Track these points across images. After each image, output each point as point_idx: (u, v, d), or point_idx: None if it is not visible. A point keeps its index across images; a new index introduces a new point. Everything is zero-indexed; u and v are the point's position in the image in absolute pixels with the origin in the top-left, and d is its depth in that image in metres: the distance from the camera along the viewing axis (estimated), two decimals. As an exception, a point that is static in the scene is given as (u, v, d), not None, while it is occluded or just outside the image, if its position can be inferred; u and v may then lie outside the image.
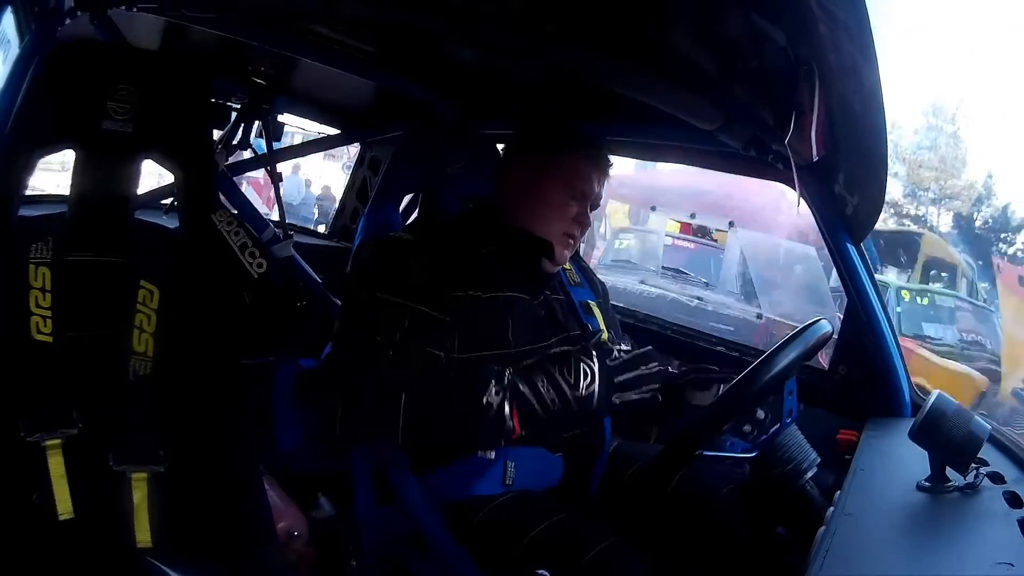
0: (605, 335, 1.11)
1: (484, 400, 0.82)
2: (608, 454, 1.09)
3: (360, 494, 1.08)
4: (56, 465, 0.80)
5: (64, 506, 0.79)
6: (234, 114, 1.50)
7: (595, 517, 0.95)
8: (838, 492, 0.78)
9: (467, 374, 0.85)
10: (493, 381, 0.82)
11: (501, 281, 1.01)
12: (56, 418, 0.81)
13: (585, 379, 0.84)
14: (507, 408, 0.82)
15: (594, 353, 0.85)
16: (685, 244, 5.56)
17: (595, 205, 1.07)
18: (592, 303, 1.15)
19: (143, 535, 0.83)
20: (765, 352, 0.91)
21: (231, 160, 1.61)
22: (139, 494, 0.84)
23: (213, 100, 1.08)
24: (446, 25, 0.91)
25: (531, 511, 0.94)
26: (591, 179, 1.05)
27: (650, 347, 0.91)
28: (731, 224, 5.73)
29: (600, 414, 0.95)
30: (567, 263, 1.15)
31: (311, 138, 2.29)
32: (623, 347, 0.88)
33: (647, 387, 0.89)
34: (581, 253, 1.26)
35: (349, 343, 0.91)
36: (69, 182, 0.88)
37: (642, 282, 4.72)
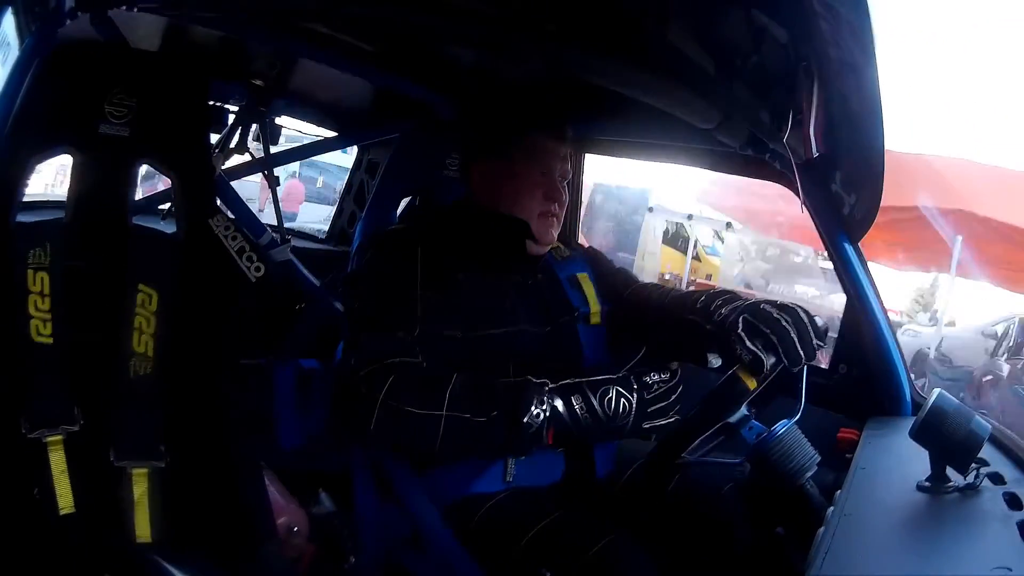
0: (596, 308, 1.11)
1: (525, 420, 0.83)
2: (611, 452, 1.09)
3: (360, 492, 1.08)
4: (57, 461, 0.81)
5: (65, 500, 0.80)
6: (231, 117, 1.50)
7: (596, 515, 0.95)
8: (838, 491, 0.78)
9: (510, 391, 0.86)
10: (535, 401, 0.84)
11: (494, 263, 1.03)
12: (57, 415, 0.82)
13: (622, 411, 0.86)
14: (545, 426, 0.85)
15: (634, 387, 0.87)
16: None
17: (564, 178, 1.07)
18: (583, 275, 1.14)
19: (143, 530, 0.84)
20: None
21: (228, 164, 1.61)
22: (139, 489, 0.85)
23: (210, 103, 1.07)
24: (446, 24, 0.91)
25: (531, 509, 0.94)
26: (556, 153, 1.05)
27: (679, 368, 0.92)
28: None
29: (627, 436, 0.96)
30: (555, 241, 1.15)
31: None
32: (659, 376, 0.88)
33: (673, 412, 0.90)
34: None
35: (372, 344, 0.90)
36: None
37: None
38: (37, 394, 0.81)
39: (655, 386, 0.87)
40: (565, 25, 0.83)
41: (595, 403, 0.85)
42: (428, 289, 0.94)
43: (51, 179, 2.99)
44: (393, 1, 0.88)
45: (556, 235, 1.09)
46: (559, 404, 0.85)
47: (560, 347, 1.05)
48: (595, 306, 1.11)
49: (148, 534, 0.84)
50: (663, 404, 0.87)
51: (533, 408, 0.83)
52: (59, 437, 0.81)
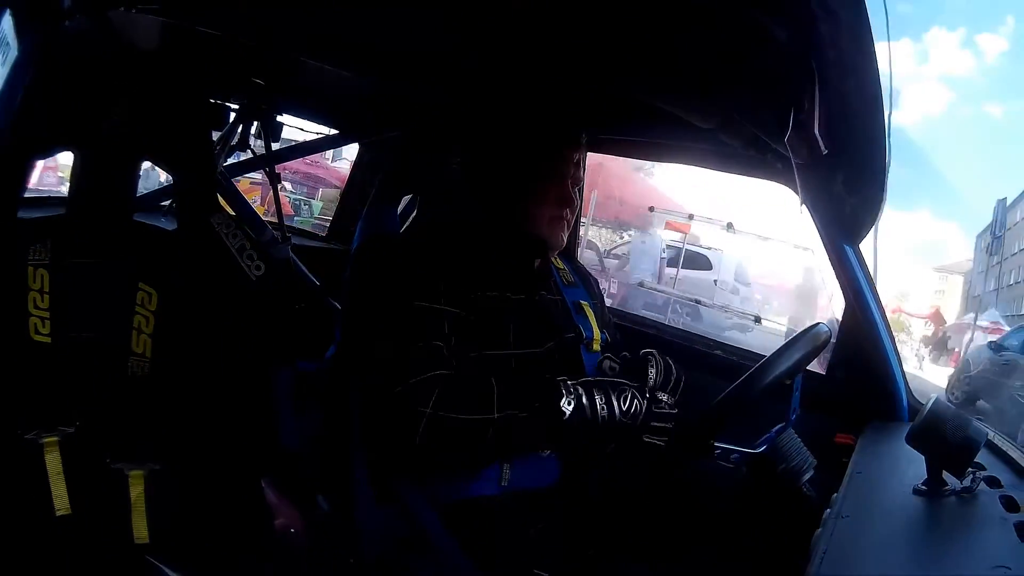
0: (597, 335, 1.11)
1: (560, 406, 0.88)
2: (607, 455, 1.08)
3: (359, 494, 1.08)
4: (53, 462, 0.81)
5: (61, 502, 0.81)
6: (233, 115, 1.50)
7: (593, 517, 0.95)
8: (835, 495, 0.78)
9: (542, 384, 0.90)
10: (564, 392, 0.89)
11: (499, 282, 1.02)
12: (54, 416, 0.82)
13: (634, 411, 0.90)
14: (575, 416, 0.89)
15: (647, 395, 0.92)
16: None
17: (576, 184, 1.08)
18: (585, 303, 1.15)
19: (140, 531, 0.85)
20: (763, 357, 0.91)
21: (230, 161, 1.61)
22: (136, 491, 0.85)
23: (211, 101, 1.07)
24: (445, 23, 0.91)
25: (529, 511, 0.94)
26: (568, 160, 1.05)
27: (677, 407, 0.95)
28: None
29: (626, 440, 0.98)
30: (561, 263, 1.15)
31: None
32: (666, 398, 0.93)
33: (668, 436, 0.93)
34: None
35: (405, 359, 0.91)
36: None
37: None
38: (34, 394, 0.82)
39: (663, 404, 0.92)
40: (565, 25, 0.83)
41: (614, 400, 0.90)
42: (451, 305, 0.95)
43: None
44: (394, 3, 0.88)
45: (566, 239, 1.09)
46: (583, 396, 0.90)
47: (560, 366, 1.04)
48: (597, 333, 1.12)
49: (146, 535, 0.84)
50: (663, 424, 0.91)
51: (565, 397, 0.89)
52: (55, 439, 0.81)
